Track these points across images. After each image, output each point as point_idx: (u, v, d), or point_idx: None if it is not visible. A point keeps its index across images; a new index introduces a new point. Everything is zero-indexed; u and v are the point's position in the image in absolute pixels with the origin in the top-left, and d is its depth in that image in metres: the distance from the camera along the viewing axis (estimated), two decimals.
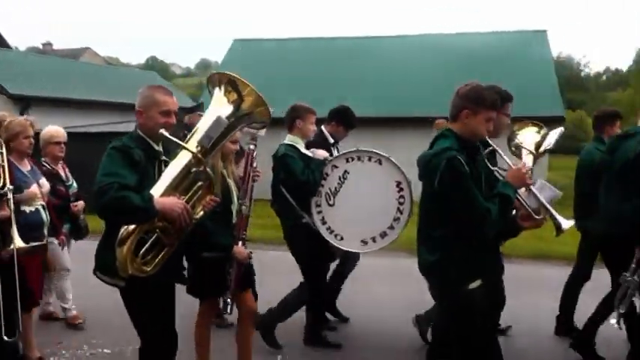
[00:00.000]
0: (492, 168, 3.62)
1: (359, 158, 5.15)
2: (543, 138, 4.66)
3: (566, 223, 3.60)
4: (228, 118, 3.28)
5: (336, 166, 5.16)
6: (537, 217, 3.56)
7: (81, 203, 5.86)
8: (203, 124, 3.26)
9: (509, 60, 20.61)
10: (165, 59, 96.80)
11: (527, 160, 4.41)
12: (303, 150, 5.18)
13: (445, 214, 3.30)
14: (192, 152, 3.13)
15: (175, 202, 3.09)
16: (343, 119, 5.70)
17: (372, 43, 23.37)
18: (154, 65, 76.19)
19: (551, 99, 18.87)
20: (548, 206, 3.54)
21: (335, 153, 5.51)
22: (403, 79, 20.22)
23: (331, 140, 5.64)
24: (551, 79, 20.24)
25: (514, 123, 4.63)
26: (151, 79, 40.34)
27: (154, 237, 3.12)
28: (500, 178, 3.61)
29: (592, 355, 5.23)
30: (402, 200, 5.11)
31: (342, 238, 5.19)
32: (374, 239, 5.16)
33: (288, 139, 5.23)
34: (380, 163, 5.13)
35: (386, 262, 8.42)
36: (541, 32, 23.49)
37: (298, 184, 5.05)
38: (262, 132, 4.15)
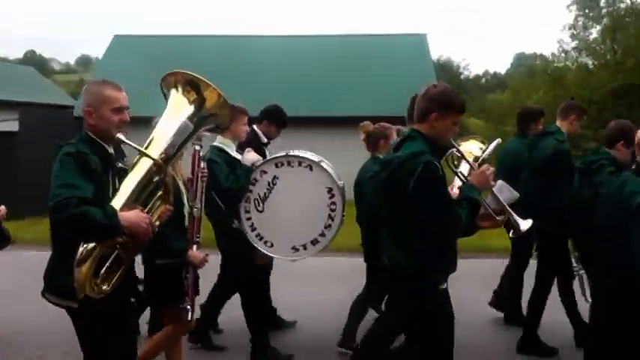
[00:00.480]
0: (455, 170, 3.61)
1: (289, 163, 4.99)
2: (483, 152, 4.80)
3: (525, 224, 3.68)
4: (190, 119, 3.08)
5: (265, 172, 4.97)
6: (498, 217, 3.60)
7: (3, 208, 5.29)
8: (166, 130, 3.03)
9: (391, 62, 21.22)
10: (44, 54, 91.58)
11: (464, 167, 4.48)
12: (233, 153, 4.96)
13: (416, 216, 3.25)
14: (155, 160, 2.89)
15: (141, 217, 2.84)
16: (275, 118, 5.61)
17: (255, 43, 23.13)
18: (33, 60, 71.90)
19: None
20: (507, 207, 3.61)
21: (267, 153, 5.34)
22: (284, 79, 20.15)
23: (264, 140, 5.48)
24: (431, 81, 21.05)
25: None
26: (29, 74, 38.00)
27: (114, 254, 2.84)
28: (463, 180, 3.60)
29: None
30: (333, 207, 5.01)
31: (271, 245, 5.01)
32: (305, 246, 5.03)
33: (218, 140, 5.00)
34: (310, 169, 5.00)
35: (319, 263, 8.29)
36: (421, 35, 24.29)
37: (222, 190, 4.84)
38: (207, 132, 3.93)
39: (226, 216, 4.95)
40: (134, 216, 2.81)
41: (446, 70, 47.74)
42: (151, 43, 23.37)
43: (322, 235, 5.02)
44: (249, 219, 4.97)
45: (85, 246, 2.71)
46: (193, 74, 3.19)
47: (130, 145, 2.93)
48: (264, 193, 4.96)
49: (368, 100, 18.61)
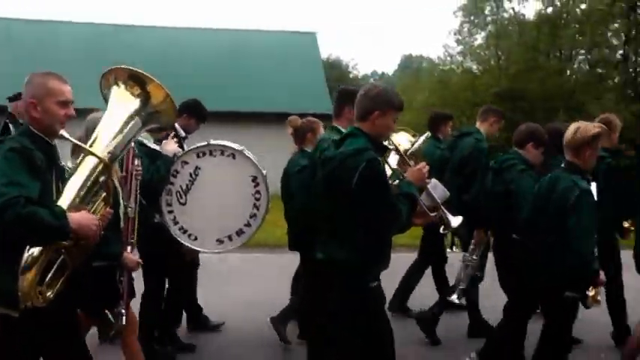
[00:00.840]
0: (393, 167, 3.67)
1: (211, 153, 4.83)
2: (412, 145, 4.87)
3: (455, 221, 3.81)
4: (137, 113, 2.90)
5: (187, 162, 4.78)
6: (431, 214, 3.69)
7: None
8: (111, 127, 2.89)
9: (280, 59, 21.26)
10: None
11: (393, 160, 4.52)
12: (152, 145, 4.73)
13: (358, 212, 3.26)
14: (102, 159, 2.73)
15: (90, 219, 2.67)
16: (194, 112, 5.43)
17: (124, 32, 22.46)
18: None
19: (320, 98, 19.86)
20: (440, 204, 3.72)
21: (186, 147, 5.13)
22: (173, 71, 19.66)
23: (183, 134, 5.25)
24: (321, 79, 21.34)
25: None
26: None
27: (60, 259, 2.65)
28: (401, 177, 3.64)
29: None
30: (258, 195, 4.90)
31: (196, 239, 4.83)
32: (230, 238, 4.89)
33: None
34: (233, 157, 4.87)
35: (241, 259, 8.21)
36: (311, 34, 24.50)
37: (142, 183, 4.60)
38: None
39: (147, 211, 4.70)
40: (83, 217, 2.64)
41: (335, 69, 48.51)
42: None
43: (248, 225, 4.90)
44: (171, 212, 4.77)
45: (30, 252, 2.53)
46: (136, 70, 3.06)
47: (75, 143, 2.79)
48: (187, 185, 4.78)
49: (258, 96, 18.58)
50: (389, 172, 3.62)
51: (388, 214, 3.28)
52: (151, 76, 3.08)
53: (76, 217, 2.58)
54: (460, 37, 29.15)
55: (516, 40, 25.47)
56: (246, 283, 7.65)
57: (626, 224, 5.20)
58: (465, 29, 28.97)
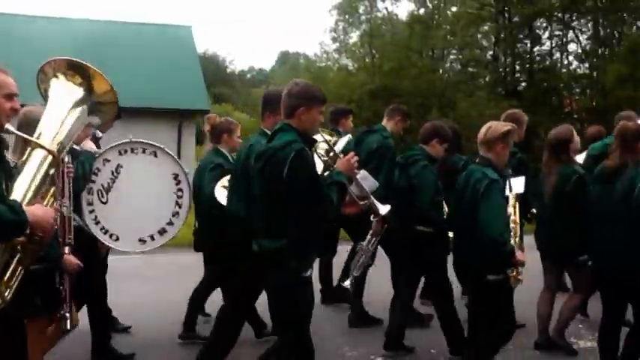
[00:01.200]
0: (323, 159, 3.76)
1: (132, 150, 4.73)
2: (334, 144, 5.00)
3: (384, 209, 4.00)
4: (82, 102, 2.80)
5: (108, 160, 4.65)
6: (361, 203, 3.86)
7: None
8: (55, 118, 2.78)
9: (155, 52, 20.68)
10: None
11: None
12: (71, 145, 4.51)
13: (290, 203, 3.34)
14: (51, 152, 2.62)
15: (47, 211, 2.55)
16: None
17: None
18: None
19: (196, 93, 19.62)
20: (369, 194, 3.90)
21: (101, 147, 4.94)
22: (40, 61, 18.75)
23: (99, 134, 5.03)
24: (197, 74, 20.89)
25: None
26: None
27: (17, 257, 2.50)
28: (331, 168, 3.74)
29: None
30: (180, 194, 4.87)
31: (117, 239, 4.70)
32: (152, 237, 4.81)
33: None
34: (155, 155, 4.79)
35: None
36: (186, 27, 23.96)
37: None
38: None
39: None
40: (41, 212, 2.50)
41: (212, 63, 47.87)
42: None
43: (170, 224, 4.86)
44: (91, 211, 4.62)
45: None
46: (76, 60, 2.97)
47: (21, 136, 2.67)
48: (108, 183, 4.65)
49: (132, 89, 18.05)
50: (319, 164, 3.73)
51: (319, 203, 3.38)
52: (93, 66, 2.99)
53: (33, 210, 2.46)
54: (336, 35, 29.78)
55: (389, 39, 26.38)
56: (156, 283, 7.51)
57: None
58: (341, 27, 29.62)
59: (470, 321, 4.48)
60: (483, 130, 4.25)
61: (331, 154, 3.85)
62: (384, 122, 6.05)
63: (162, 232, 4.82)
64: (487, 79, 24.11)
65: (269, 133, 4.13)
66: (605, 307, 4.55)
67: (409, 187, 5.05)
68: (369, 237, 5.49)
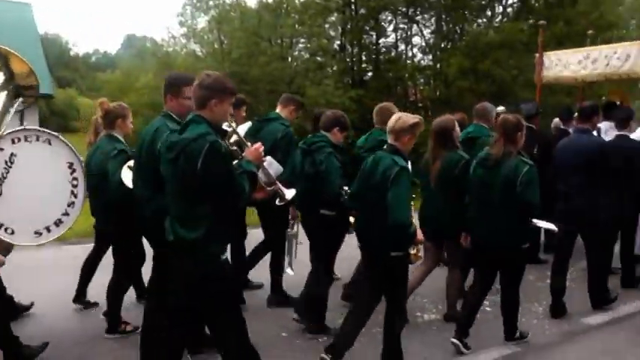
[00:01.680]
0: (232, 148, 3.85)
1: (26, 139, 4.50)
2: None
3: (289, 194, 4.23)
4: (3, 88, 2.68)
5: (1, 149, 4.39)
6: (268, 188, 4.12)
7: None
8: None
9: None
10: None
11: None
12: None
13: (205, 193, 3.46)
14: None
15: None
16: None
17: None
18: None
19: (41, 76, 18.56)
20: (275, 179, 4.15)
21: None
22: None
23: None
24: (39, 56, 19.64)
25: None
26: None
27: None
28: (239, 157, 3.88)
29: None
30: (75, 182, 4.73)
31: (12, 232, 4.47)
32: (48, 229, 4.64)
33: None
34: (49, 143, 4.62)
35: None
36: (26, 5, 22.47)
37: None
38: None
39: None
40: None
41: (54, 45, 44.89)
42: None
43: (66, 214, 4.72)
44: None
45: None
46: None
47: None
48: (2, 174, 4.41)
49: None
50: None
51: (233, 191, 3.52)
52: (12, 50, 2.93)
53: None
54: (183, 20, 29.13)
55: (239, 25, 26.29)
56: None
57: None
58: (188, 11, 29.01)
59: (362, 297, 4.84)
60: (393, 119, 4.58)
61: (241, 144, 4.01)
62: (279, 110, 6.19)
63: (58, 223, 4.65)
64: (335, 68, 24.71)
65: (173, 115, 4.21)
66: (479, 276, 5.29)
67: (315, 173, 5.32)
68: (291, 222, 5.77)
